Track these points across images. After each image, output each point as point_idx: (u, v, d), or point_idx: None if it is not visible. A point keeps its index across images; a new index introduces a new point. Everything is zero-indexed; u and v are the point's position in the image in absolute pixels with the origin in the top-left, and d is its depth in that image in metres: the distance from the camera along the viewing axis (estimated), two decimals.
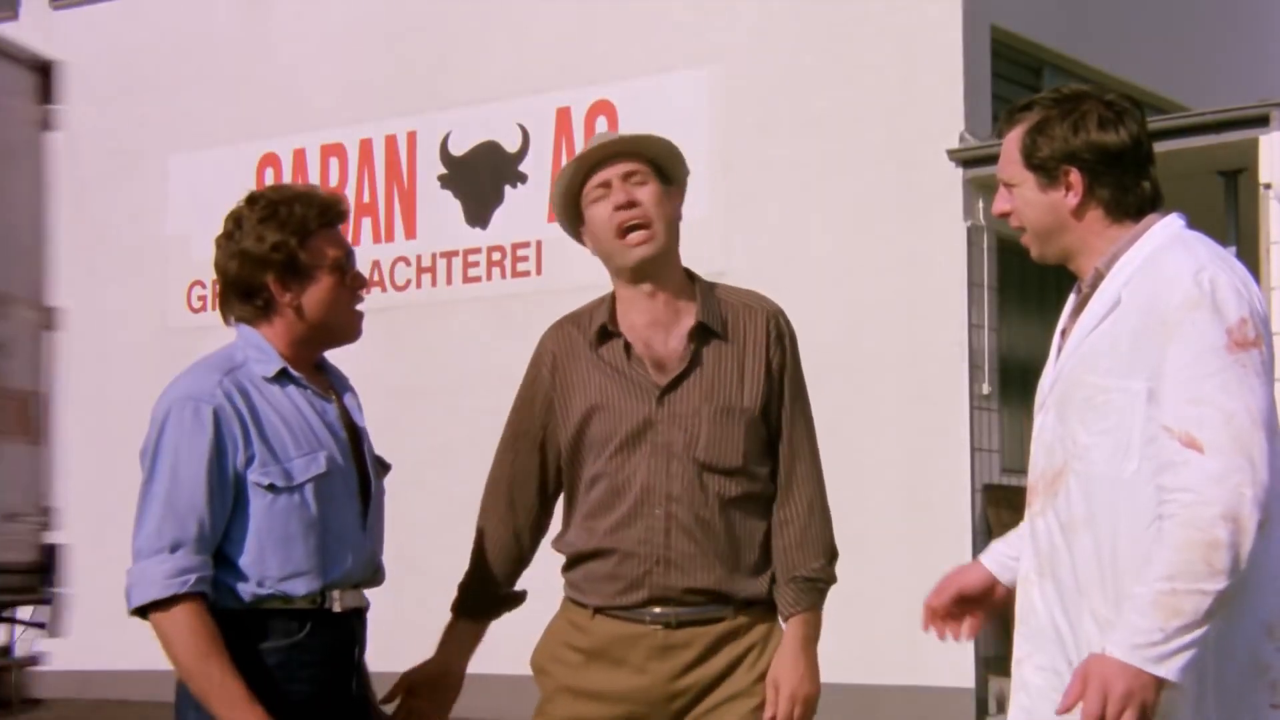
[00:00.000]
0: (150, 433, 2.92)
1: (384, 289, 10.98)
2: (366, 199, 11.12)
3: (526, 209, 10.51)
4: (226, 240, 2.88)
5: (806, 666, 2.84)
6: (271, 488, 2.78)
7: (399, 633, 11.06)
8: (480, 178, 10.72)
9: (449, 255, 10.79)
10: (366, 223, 11.13)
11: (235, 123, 11.57)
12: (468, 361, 10.58)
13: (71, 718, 10.72)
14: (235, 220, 2.87)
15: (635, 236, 2.92)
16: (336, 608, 2.86)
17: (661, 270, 2.93)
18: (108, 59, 12.27)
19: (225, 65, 11.69)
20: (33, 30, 12.67)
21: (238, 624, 2.77)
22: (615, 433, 2.86)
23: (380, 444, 12.04)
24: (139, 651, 11.92)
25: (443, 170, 10.86)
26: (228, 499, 2.79)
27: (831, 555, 2.98)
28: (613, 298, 3.03)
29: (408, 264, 10.92)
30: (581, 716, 2.83)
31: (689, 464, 2.80)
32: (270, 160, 11.47)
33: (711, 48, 9.96)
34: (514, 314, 10.32)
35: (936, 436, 9.07)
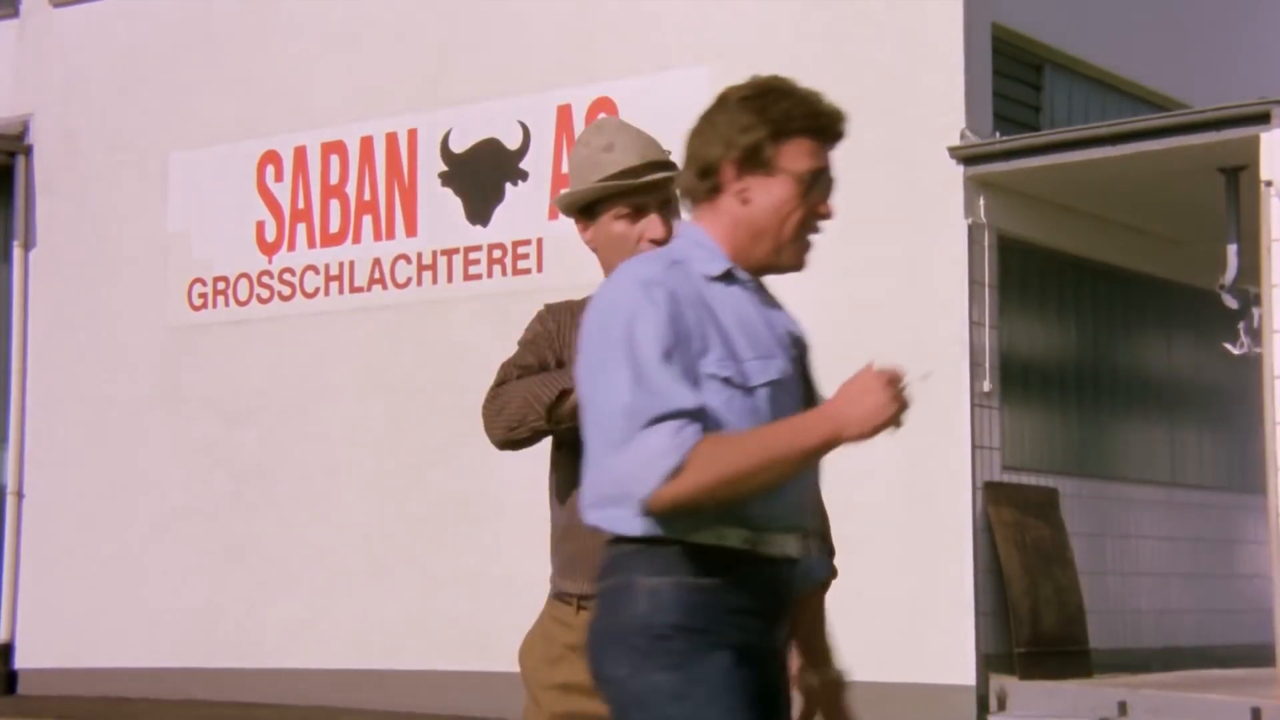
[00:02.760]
0: (596, 323, 2.50)
1: (385, 287, 10.98)
2: (367, 197, 11.12)
3: (527, 206, 10.50)
4: (705, 116, 2.65)
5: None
6: (729, 382, 2.47)
7: (400, 629, 11.10)
8: (481, 175, 10.71)
9: (450, 253, 10.79)
10: (367, 220, 11.12)
11: (236, 120, 11.57)
12: (468, 359, 10.58)
13: (70, 714, 10.71)
14: (720, 101, 2.65)
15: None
16: (773, 550, 2.49)
17: None
18: (108, 56, 12.26)
19: (226, 63, 11.69)
20: (33, 28, 12.67)
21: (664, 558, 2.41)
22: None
23: (381, 442, 12.09)
24: (135, 649, 11.92)
25: (444, 168, 10.85)
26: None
27: (831, 551, 2.95)
28: None
29: (408, 261, 10.91)
30: (572, 712, 2.80)
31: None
32: (271, 158, 11.47)
33: (712, 45, 9.96)
34: (514, 312, 10.28)
35: (937, 434, 9.06)
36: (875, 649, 9.05)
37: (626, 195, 3.01)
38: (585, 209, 3.08)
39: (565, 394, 2.90)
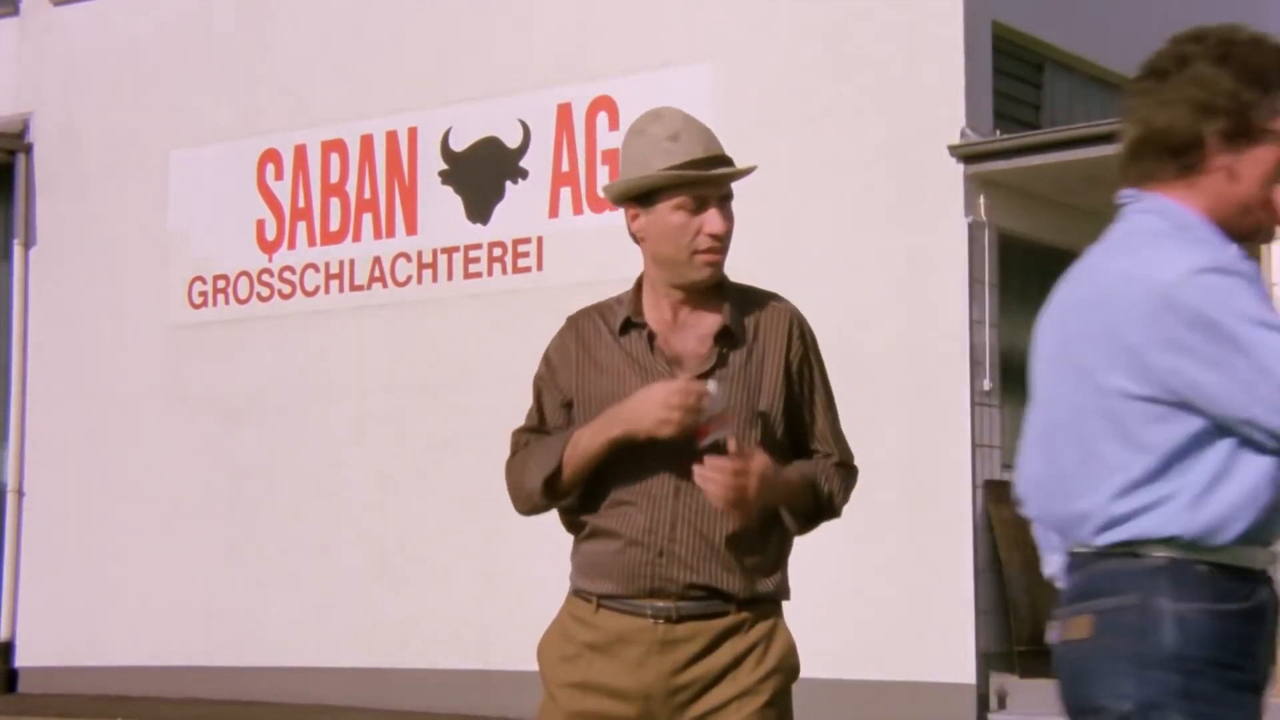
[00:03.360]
0: (1193, 316, 2.16)
1: (385, 285, 10.98)
2: (367, 195, 11.12)
3: (527, 205, 10.50)
4: (1158, 82, 2.34)
5: (772, 484, 2.84)
6: None
7: (402, 627, 11.09)
8: (481, 174, 10.71)
9: (450, 251, 10.79)
10: (367, 218, 11.12)
11: (236, 118, 11.57)
12: (469, 358, 10.58)
13: (71, 712, 10.72)
14: (1176, 59, 2.35)
15: (707, 258, 2.99)
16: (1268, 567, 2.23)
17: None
18: (109, 54, 12.26)
19: (226, 61, 11.69)
20: (34, 25, 12.67)
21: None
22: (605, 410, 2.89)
23: (382, 440, 12.11)
24: (136, 647, 11.90)
25: (444, 166, 10.85)
26: None
27: (835, 504, 3.06)
28: (638, 288, 3.05)
29: (409, 260, 10.91)
30: (587, 711, 2.80)
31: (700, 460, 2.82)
32: (271, 156, 11.47)
33: (712, 42, 9.96)
34: (515, 310, 10.32)
35: (937, 432, 9.06)
36: (875, 647, 9.05)
37: (692, 186, 3.00)
38: (642, 197, 3.03)
39: (561, 468, 2.86)
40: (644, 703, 2.77)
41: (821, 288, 9.45)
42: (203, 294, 11.65)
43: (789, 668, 2.89)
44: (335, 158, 11.26)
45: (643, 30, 10.25)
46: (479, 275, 10.65)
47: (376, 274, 11.01)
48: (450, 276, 10.76)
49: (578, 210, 10.31)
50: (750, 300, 2.99)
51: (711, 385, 2.77)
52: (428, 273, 10.85)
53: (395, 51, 11.08)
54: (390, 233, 11.00)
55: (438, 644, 10.30)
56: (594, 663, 2.79)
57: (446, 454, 10.47)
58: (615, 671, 2.78)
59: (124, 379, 11.87)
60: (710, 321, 2.91)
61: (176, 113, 11.81)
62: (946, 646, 8.90)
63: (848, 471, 3.01)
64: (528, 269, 10.47)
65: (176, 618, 11.35)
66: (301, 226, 11.35)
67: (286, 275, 11.33)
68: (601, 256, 10.01)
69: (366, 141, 11.11)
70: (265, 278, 11.40)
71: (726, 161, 3.03)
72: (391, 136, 11.03)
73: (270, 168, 11.47)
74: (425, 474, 10.61)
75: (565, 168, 10.40)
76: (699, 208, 2.97)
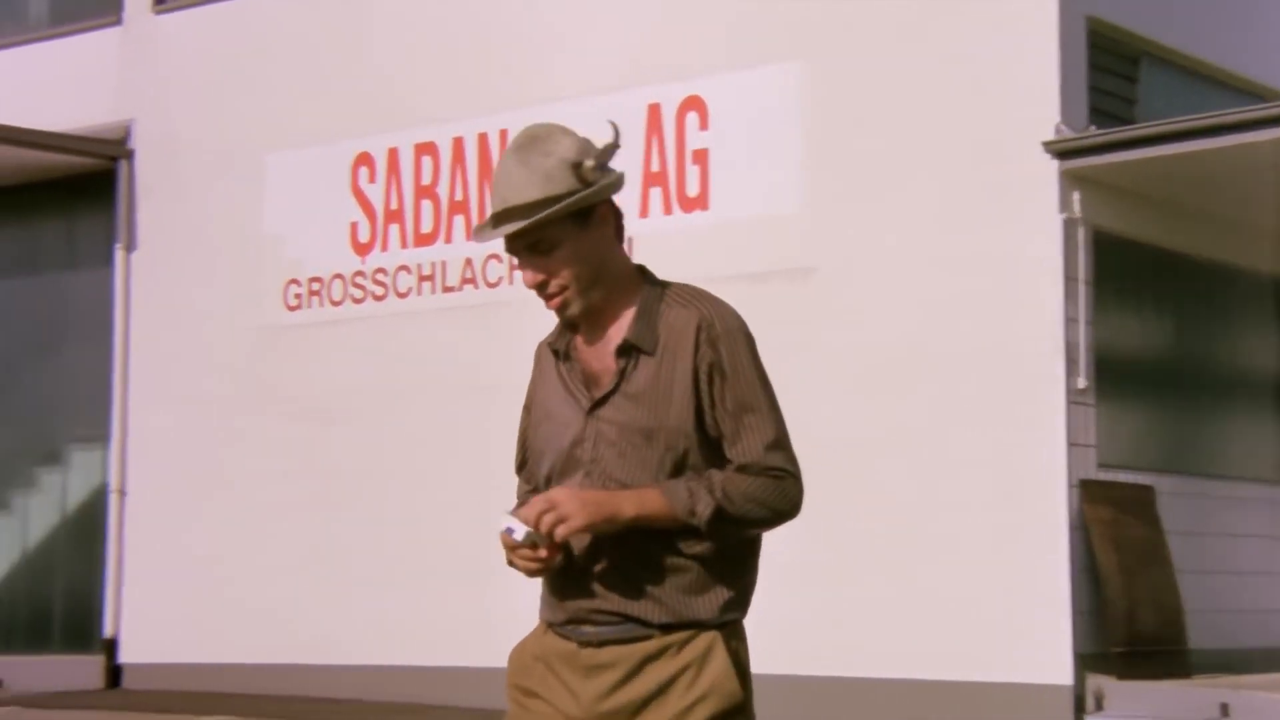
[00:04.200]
0: None
1: (476, 286, 11.05)
2: (459, 197, 11.20)
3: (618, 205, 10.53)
4: None
5: (591, 496, 2.68)
6: None
7: (489, 627, 11.09)
8: None
9: None
10: (459, 220, 11.21)
11: (331, 121, 11.70)
12: None
13: (171, 708, 10.88)
14: None
15: (555, 304, 2.84)
16: None
17: (599, 307, 2.82)
18: (207, 60, 12.46)
19: (322, 65, 11.83)
20: (136, 34, 12.90)
21: None
22: (551, 446, 2.86)
23: (472, 441, 12.17)
24: (233, 645, 12.07)
25: None
26: None
27: (728, 507, 2.70)
28: None
29: (500, 261, 10.98)
30: (535, 714, 2.82)
31: (603, 485, 2.73)
32: (364, 159, 11.59)
33: (803, 41, 9.93)
34: None
35: (1032, 432, 8.97)
36: (970, 648, 8.98)
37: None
38: None
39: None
40: None
41: (914, 287, 9.38)
42: (297, 296, 11.79)
43: (725, 692, 2.72)
44: (427, 160, 11.36)
45: (734, 29, 10.24)
46: None
47: (468, 275, 11.09)
48: None
49: (668, 210, 10.32)
50: (667, 306, 2.80)
51: (504, 523, 2.71)
52: (519, 274, 10.90)
53: (487, 53, 11.15)
54: None
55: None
56: (546, 677, 2.81)
57: None
58: (557, 691, 2.79)
59: (220, 381, 12.05)
60: (617, 336, 2.81)
61: (272, 117, 11.97)
62: (1042, 648, 8.81)
63: (756, 475, 2.71)
64: None
65: (271, 616, 11.51)
66: (394, 229, 11.46)
67: (379, 277, 11.44)
68: (691, 256, 10.02)
69: (458, 143, 11.20)
70: (358, 280, 11.53)
71: (511, 214, 2.79)
72: (483, 138, 11.11)
73: (364, 170, 11.60)
74: (515, 476, 10.66)
75: (655, 168, 10.41)
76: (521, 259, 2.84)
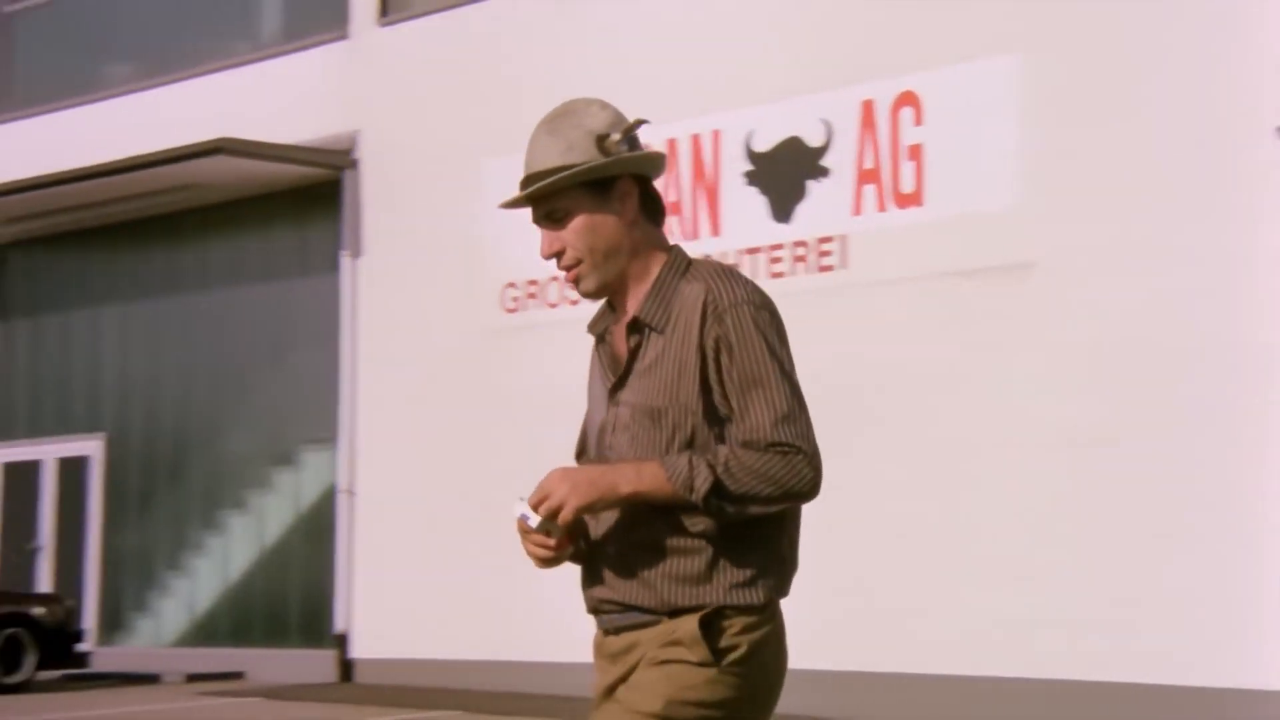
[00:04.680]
0: None
1: None
2: (672, 198, 11.27)
3: (830, 203, 10.47)
4: None
5: (584, 475, 2.59)
6: None
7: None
8: (784, 173, 10.73)
9: (753, 252, 10.85)
10: (673, 222, 11.28)
11: None
12: None
13: (402, 703, 11.16)
14: None
15: (569, 277, 2.78)
16: None
17: (615, 284, 2.75)
18: (428, 70, 12.78)
19: (538, 69, 12.02)
20: (362, 47, 13.30)
21: None
22: (591, 432, 2.83)
23: None
24: (462, 641, 12.32)
25: (747, 167, 10.92)
26: None
27: (730, 482, 2.57)
28: None
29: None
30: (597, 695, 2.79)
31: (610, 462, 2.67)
32: None
33: (1020, 32, 9.73)
34: (819, 309, 10.29)
35: (1262, 428, 8.64)
36: (1203, 651, 8.69)
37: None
38: None
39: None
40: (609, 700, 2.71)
41: (1138, 280, 9.11)
42: (515, 299, 12.01)
43: (689, 639, 2.59)
44: None
45: (948, 22, 10.09)
46: (782, 275, 10.68)
47: None
48: (754, 277, 10.82)
49: (882, 208, 10.22)
50: (685, 282, 2.68)
51: (518, 509, 2.64)
52: None
53: (698, 55, 11.20)
54: (694, 234, 11.13)
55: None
56: (597, 666, 2.77)
57: None
58: (600, 679, 2.75)
59: (443, 382, 12.34)
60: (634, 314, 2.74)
61: (489, 123, 12.21)
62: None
63: (762, 450, 2.56)
64: (830, 267, 10.43)
65: (495, 611, 11.72)
66: None
67: None
68: (909, 253, 9.90)
69: (670, 146, 11.27)
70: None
71: (532, 182, 2.77)
72: (695, 140, 11.16)
73: None
74: None
75: (869, 165, 10.32)
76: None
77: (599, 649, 2.72)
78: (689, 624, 2.59)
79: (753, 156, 10.91)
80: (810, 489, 2.59)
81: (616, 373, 2.74)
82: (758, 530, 2.62)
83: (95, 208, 14.38)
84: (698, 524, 2.59)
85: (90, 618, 14.54)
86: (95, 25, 15.70)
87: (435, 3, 12.81)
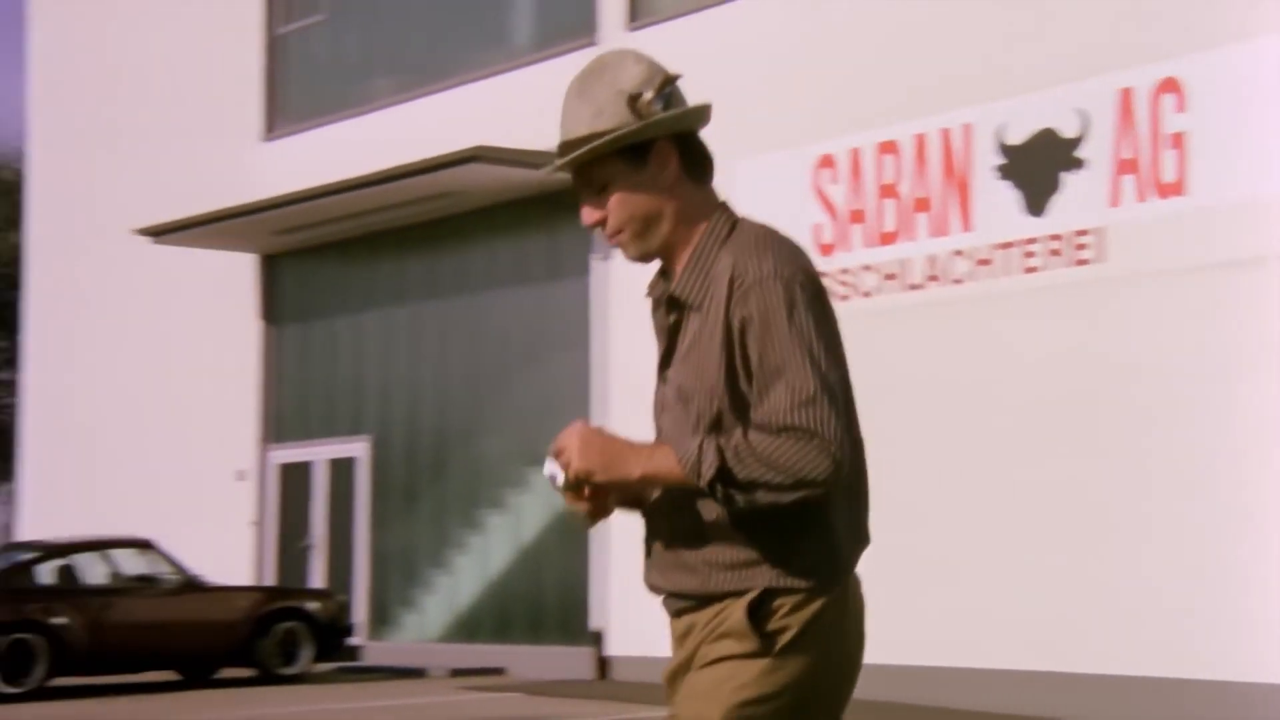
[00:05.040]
0: None
1: (941, 283, 10.95)
2: (922, 194, 11.13)
3: (1086, 195, 10.19)
4: None
5: (598, 440, 2.47)
6: None
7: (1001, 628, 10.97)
8: (1038, 166, 10.48)
9: (1006, 246, 10.63)
10: (923, 218, 11.13)
11: (794, 125, 11.87)
12: (1027, 354, 10.38)
13: (657, 700, 11.29)
14: None
15: (613, 245, 2.62)
16: None
17: (660, 250, 2.59)
18: (679, 71, 12.86)
19: (786, 69, 12.02)
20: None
21: None
22: (654, 405, 2.70)
23: (938, 438, 12.04)
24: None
25: (999, 160, 10.70)
26: None
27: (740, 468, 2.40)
28: None
29: (964, 257, 10.84)
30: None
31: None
32: (827, 161, 11.69)
33: None
34: (1075, 303, 10.03)
35: None
36: None
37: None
38: None
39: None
40: (670, 688, 2.61)
41: None
42: None
43: (739, 632, 2.47)
44: (889, 160, 11.34)
45: (1211, 3, 9.71)
46: (1036, 270, 10.43)
47: (932, 272, 11.00)
48: (1008, 272, 10.60)
49: (1141, 198, 9.90)
50: (724, 252, 2.53)
51: (548, 468, 2.53)
52: (984, 269, 10.73)
53: (946, 49, 11.03)
54: (945, 230, 10.97)
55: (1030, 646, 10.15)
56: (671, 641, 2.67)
57: (993, 449, 10.30)
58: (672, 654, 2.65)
59: None
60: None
61: (739, 123, 12.24)
62: None
63: (774, 434, 2.39)
64: (1086, 261, 10.15)
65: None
66: (857, 229, 11.50)
67: (843, 277, 11.51)
68: (1171, 245, 9.57)
69: (920, 141, 11.13)
70: (822, 280, 11.62)
71: (565, 150, 2.56)
72: (945, 134, 10.99)
73: (826, 172, 11.70)
74: (1010, 475, 10.48)
75: (1127, 155, 10.01)
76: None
77: (669, 629, 2.62)
78: (735, 612, 2.45)
79: (1005, 150, 10.69)
80: (825, 479, 2.38)
81: (662, 350, 2.59)
82: (804, 511, 2.44)
83: (359, 217, 14.92)
84: (736, 512, 2.44)
85: (360, 613, 15.10)
86: (360, 43, 16.30)
87: (683, 6, 12.91)
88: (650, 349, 2.68)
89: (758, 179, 12.06)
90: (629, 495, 2.56)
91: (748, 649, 2.44)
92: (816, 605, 2.46)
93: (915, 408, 10.94)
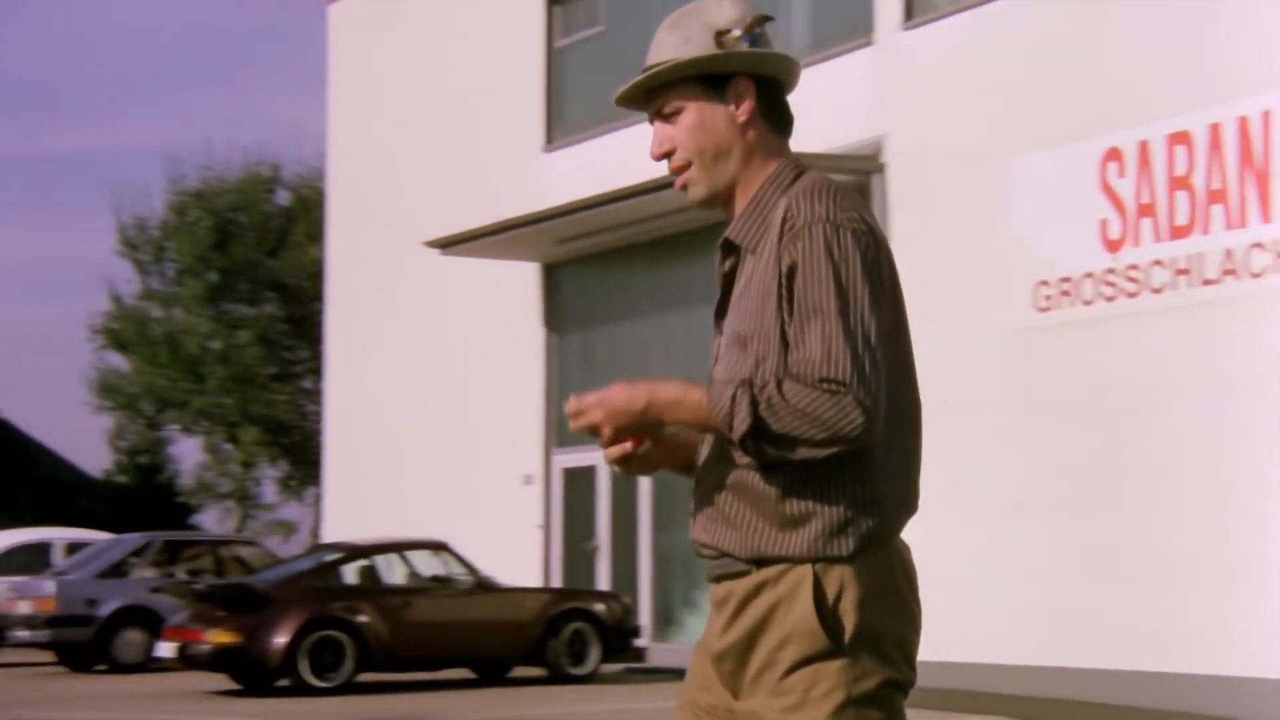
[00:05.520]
0: None
1: (1238, 278, 10.50)
2: (1216, 185, 10.70)
3: None
4: None
5: (641, 389, 2.40)
6: None
7: (1258, 634, 10.53)
8: None
9: None
10: (1218, 210, 10.70)
11: (1078, 119, 11.56)
12: None
13: (934, 705, 11.15)
14: None
15: (679, 183, 2.55)
16: None
17: (725, 193, 2.54)
18: (953, 70, 12.70)
19: (1066, 62, 11.72)
20: (887, 51, 13.38)
21: None
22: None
23: (1234, 439, 11.57)
24: (994, 645, 12.15)
25: None
26: None
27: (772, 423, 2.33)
28: None
29: (1264, 250, 10.37)
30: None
31: None
32: (1113, 154, 11.34)
33: None
34: None
35: None
36: None
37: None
38: None
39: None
40: (714, 663, 2.51)
41: None
42: (1048, 297, 11.74)
43: (806, 633, 2.38)
44: (1180, 150, 10.94)
45: None
46: None
47: (1228, 266, 10.56)
48: None
49: None
50: (782, 197, 2.49)
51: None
52: None
53: (1242, 31, 10.58)
54: (1242, 223, 10.52)
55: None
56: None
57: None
58: (709, 625, 2.57)
59: (975, 383, 12.21)
60: None
61: (1017, 119, 12.00)
62: None
63: (809, 386, 2.33)
64: None
65: (1028, 617, 11.49)
66: (1146, 223, 11.13)
67: (1132, 274, 11.15)
68: None
69: (1214, 130, 10.70)
70: (1110, 277, 11.29)
71: (647, 80, 2.55)
72: (1242, 122, 10.55)
73: (1113, 165, 11.35)
74: (1261, 471, 10.03)
75: None
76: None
77: (708, 594, 2.57)
78: (804, 617, 2.38)
79: None
80: (861, 433, 2.34)
81: (719, 298, 2.57)
82: (843, 468, 2.39)
83: (639, 225, 15.16)
84: (782, 466, 2.39)
85: (645, 615, 15.32)
86: (638, 51, 16.54)
87: (961, 2, 12.72)
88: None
89: (1039, 174, 11.79)
90: (677, 455, 2.54)
91: (816, 648, 2.39)
92: (865, 577, 2.42)
93: (1211, 409, 10.52)
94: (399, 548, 14.18)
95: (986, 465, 12.06)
